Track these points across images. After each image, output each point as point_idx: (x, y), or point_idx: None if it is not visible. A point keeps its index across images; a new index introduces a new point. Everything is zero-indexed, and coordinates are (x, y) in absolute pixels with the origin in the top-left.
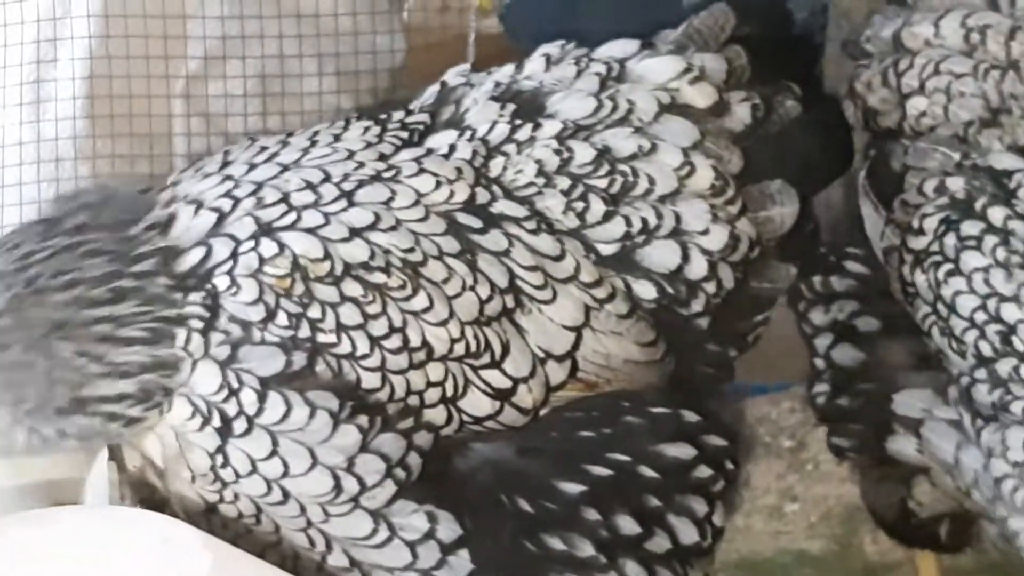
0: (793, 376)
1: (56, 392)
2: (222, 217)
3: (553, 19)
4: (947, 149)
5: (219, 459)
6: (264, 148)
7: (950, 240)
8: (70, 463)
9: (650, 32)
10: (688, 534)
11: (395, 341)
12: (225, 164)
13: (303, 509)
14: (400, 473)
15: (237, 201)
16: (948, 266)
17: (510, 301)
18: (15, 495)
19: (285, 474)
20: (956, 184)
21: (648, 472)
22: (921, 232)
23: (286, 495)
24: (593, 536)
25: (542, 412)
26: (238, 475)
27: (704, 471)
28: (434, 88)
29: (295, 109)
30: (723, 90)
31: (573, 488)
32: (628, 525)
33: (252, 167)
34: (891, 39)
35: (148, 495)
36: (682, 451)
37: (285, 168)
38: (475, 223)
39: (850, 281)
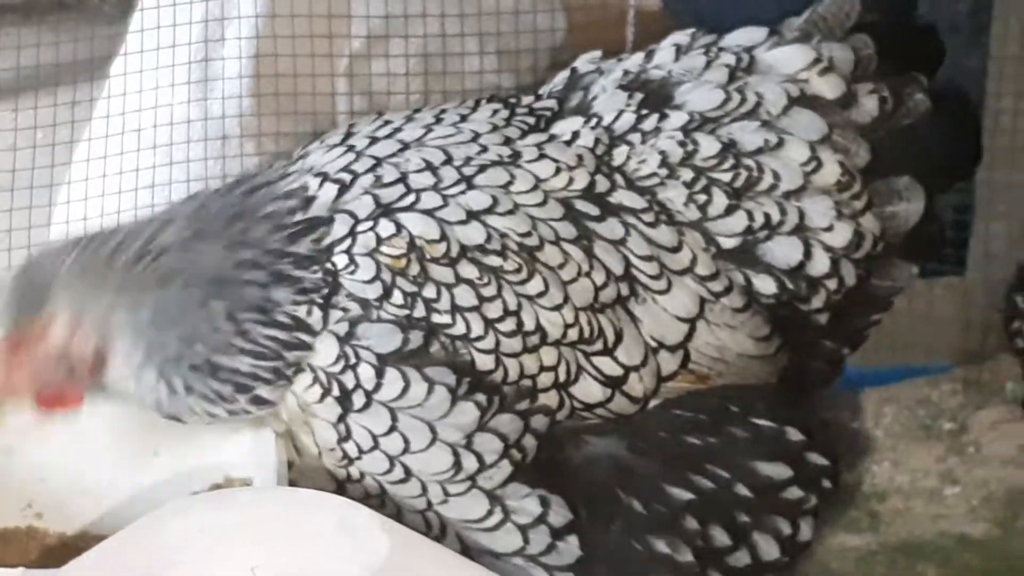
0: (953, 357)
1: (196, 349)
2: (343, 189)
3: None
4: None
5: (342, 430)
6: (388, 122)
7: None
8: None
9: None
10: (769, 552)
11: (509, 324)
12: (348, 136)
13: (424, 489)
14: (516, 454)
15: (356, 176)
16: None
17: (625, 289)
18: (188, 476)
19: (406, 450)
20: None
21: (743, 491)
22: None
23: (408, 473)
24: (692, 544)
25: (652, 402)
26: (361, 450)
27: (795, 492)
28: (564, 74)
29: (456, 88)
30: (850, 81)
31: (681, 495)
32: (721, 537)
33: (374, 141)
34: None
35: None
36: (778, 471)
37: (406, 146)
38: (593, 210)
39: None
